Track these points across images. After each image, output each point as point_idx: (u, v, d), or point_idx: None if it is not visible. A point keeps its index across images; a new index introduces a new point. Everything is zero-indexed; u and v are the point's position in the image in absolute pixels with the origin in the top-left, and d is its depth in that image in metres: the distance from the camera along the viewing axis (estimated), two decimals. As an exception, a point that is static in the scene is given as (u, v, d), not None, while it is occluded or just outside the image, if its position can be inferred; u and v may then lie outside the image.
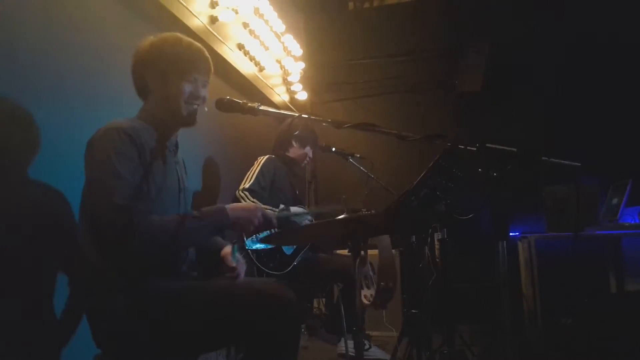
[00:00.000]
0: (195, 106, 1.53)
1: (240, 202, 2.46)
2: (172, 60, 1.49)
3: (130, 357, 1.35)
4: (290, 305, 1.37)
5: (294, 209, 2.49)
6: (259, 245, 2.42)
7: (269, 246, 2.45)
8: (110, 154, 1.31)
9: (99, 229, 1.29)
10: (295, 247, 2.59)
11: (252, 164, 2.72)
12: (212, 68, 1.60)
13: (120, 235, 1.23)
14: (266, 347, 1.33)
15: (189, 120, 1.53)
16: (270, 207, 2.31)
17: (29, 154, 1.53)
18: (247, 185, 2.54)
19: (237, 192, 2.53)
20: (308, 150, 2.93)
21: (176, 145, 1.62)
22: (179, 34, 1.56)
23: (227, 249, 1.68)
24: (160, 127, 1.51)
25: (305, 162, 2.99)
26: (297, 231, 1.85)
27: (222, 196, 2.88)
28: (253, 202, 2.43)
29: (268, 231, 2.41)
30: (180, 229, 1.32)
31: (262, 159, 2.72)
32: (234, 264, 1.60)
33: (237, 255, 1.64)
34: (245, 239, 2.38)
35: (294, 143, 2.88)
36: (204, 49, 1.57)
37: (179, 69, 1.49)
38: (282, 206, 2.37)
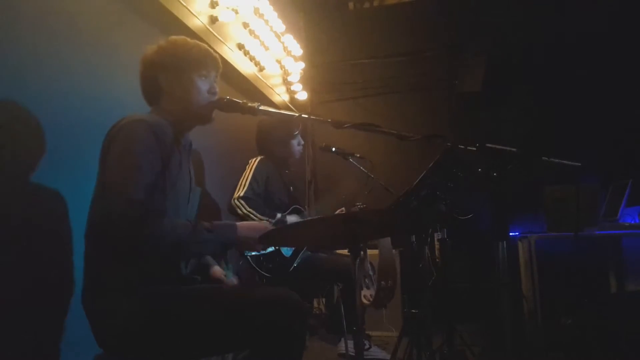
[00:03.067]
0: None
1: (235, 210, 2.44)
2: (184, 58, 1.51)
3: (134, 357, 1.35)
4: (297, 308, 1.37)
5: (290, 218, 2.47)
6: (256, 252, 2.42)
7: (267, 251, 2.44)
8: (134, 146, 1.30)
9: (108, 221, 1.25)
10: (293, 249, 2.58)
11: (245, 168, 2.68)
12: (221, 66, 1.61)
13: (129, 230, 1.21)
14: (272, 350, 1.32)
15: (206, 117, 1.54)
16: (267, 219, 2.27)
17: (31, 155, 1.53)
18: (241, 193, 2.50)
19: (232, 200, 2.50)
20: (294, 142, 2.80)
21: (190, 145, 1.61)
22: (184, 37, 1.58)
23: (218, 270, 1.67)
24: (176, 125, 1.50)
25: (299, 151, 2.86)
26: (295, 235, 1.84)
27: (220, 196, 2.87)
28: (250, 211, 2.42)
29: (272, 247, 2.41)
30: (190, 237, 1.31)
31: (254, 163, 2.66)
32: (233, 283, 1.60)
33: (232, 276, 1.64)
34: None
35: (274, 147, 2.77)
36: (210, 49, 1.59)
37: (192, 66, 1.51)
38: (278, 215, 2.36)
